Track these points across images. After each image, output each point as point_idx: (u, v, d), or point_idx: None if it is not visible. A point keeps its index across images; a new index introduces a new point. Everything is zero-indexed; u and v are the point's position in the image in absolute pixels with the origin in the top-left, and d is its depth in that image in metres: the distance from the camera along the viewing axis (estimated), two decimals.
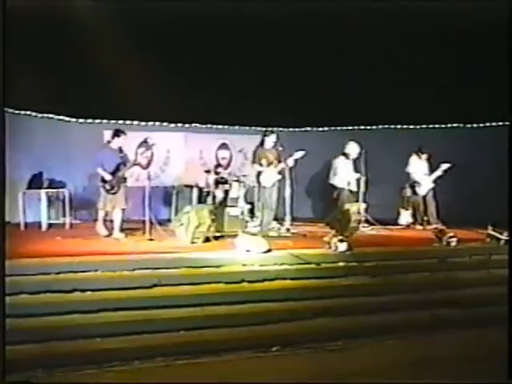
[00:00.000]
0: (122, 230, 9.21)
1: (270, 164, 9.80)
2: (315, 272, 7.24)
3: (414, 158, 11.05)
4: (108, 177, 8.96)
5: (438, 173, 10.84)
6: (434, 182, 10.96)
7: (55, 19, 10.19)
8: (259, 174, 9.88)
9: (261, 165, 9.81)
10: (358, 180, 10.49)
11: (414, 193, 11.06)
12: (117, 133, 9.25)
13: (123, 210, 9.20)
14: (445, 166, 10.70)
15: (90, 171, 9.94)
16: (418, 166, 11.03)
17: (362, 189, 10.46)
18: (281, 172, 9.86)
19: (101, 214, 9.21)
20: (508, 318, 5.27)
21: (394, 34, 11.11)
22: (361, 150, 10.44)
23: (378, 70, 11.30)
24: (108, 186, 9.00)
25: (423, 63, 11.23)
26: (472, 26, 10.22)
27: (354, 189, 10.52)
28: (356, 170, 10.53)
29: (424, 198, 11.01)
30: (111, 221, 9.31)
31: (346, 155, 10.59)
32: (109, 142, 9.39)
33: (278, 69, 11.45)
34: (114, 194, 9.05)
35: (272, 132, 10.04)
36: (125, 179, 9.19)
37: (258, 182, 9.91)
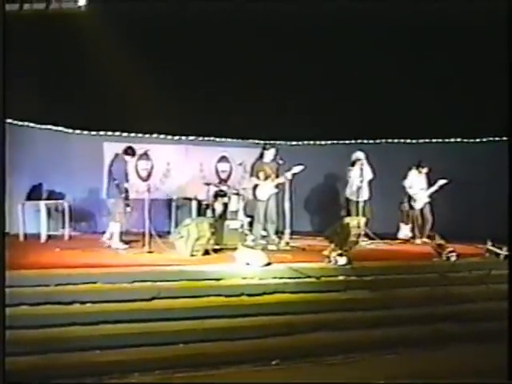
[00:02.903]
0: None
1: (266, 178, 9.82)
2: (315, 286, 7.23)
3: (413, 172, 11.06)
4: (131, 191, 9.26)
5: (434, 188, 10.86)
6: (430, 196, 10.97)
7: (56, 30, 10.25)
8: (255, 187, 9.91)
9: (258, 178, 9.84)
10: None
11: (412, 207, 11.07)
12: (129, 151, 9.46)
13: None
14: (441, 182, 10.72)
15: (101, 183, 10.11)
16: (416, 180, 11.04)
17: (362, 203, 10.47)
18: (278, 186, 9.87)
19: (118, 227, 9.26)
20: (508, 328, 5.29)
21: (394, 48, 11.20)
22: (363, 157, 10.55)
23: (378, 85, 11.35)
24: (128, 200, 9.23)
25: (424, 77, 11.28)
26: (472, 37, 10.32)
27: (363, 198, 10.52)
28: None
29: (421, 211, 11.02)
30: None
31: (352, 164, 10.62)
32: (117, 154, 9.52)
33: (280, 83, 11.50)
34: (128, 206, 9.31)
35: (272, 146, 10.07)
36: None
37: (254, 195, 9.93)
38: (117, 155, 9.50)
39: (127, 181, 9.32)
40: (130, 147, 9.55)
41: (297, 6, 10.49)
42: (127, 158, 9.42)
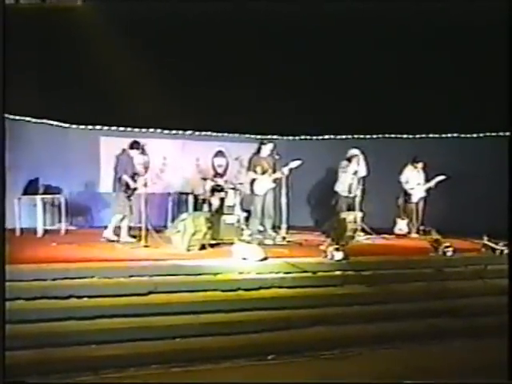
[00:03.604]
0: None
1: (264, 172, 9.81)
2: (311, 280, 7.24)
3: (409, 168, 11.07)
4: (133, 184, 9.20)
5: (431, 184, 10.88)
6: (427, 191, 10.99)
7: (53, 24, 10.21)
8: (253, 181, 9.90)
9: (255, 172, 9.82)
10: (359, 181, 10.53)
11: (408, 202, 11.08)
12: (134, 145, 9.49)
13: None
14: (439, 178, 10.72)
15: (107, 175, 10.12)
16: (412, 176, 11.05)
17: (359, 198, 10.47)
18: (275, 181, 9.86)
19: (115, 220, 9.34)
20: (508, 323, 5.30)
21: (392, 44, 11.19)
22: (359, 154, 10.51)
23: (376, 80, 11.32)
24: (130, 192, 9.24)
25: (422, 72, 11.26)
26: (471, 34, 10.30)
27: (354, 194, 10.51)
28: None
29: (417, 206, 11.04)
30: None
31: (348, 160, 10.60)
32: (124, 150, 9.53)
33: (277, 78, 11.47)
34: (130, 200, 9.33)
35: (269, 141, 10.07)
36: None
37: (252, 189, 9.93)
38: (124, 150, 9.49)
39: (135, 175, 9.36)
40: (135, 141, 9.57)
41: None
42: (132, 152, 9.43)
